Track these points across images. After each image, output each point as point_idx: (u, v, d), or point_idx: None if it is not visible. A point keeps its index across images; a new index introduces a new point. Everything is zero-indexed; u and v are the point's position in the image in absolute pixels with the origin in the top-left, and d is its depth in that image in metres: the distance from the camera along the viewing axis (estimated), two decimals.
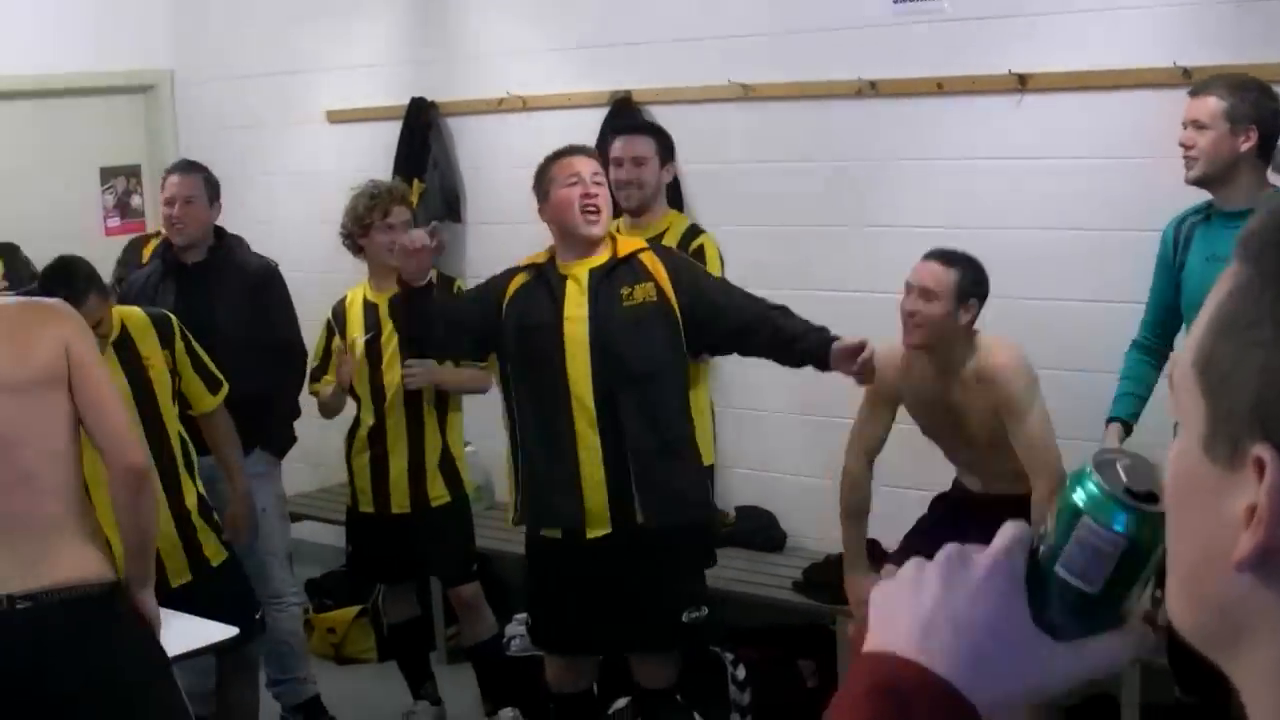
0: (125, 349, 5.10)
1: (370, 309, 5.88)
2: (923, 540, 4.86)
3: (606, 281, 4.79)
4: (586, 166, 4.85)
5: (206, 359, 5.39)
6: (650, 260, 4.84)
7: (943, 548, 1.20)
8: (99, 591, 3.73)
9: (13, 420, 3.73)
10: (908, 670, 1.14)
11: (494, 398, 6.06)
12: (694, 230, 5.64)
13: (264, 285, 6.07)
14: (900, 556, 5.08)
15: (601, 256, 4.84)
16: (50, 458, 3.80)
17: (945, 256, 4.77)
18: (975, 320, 4.77)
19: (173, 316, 5.33)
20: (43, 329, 3.89)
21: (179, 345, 5.24)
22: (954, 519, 4.86)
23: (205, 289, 5.97)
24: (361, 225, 5.81)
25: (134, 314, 5.22)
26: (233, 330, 5.85)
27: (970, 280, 4.73)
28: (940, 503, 5.15)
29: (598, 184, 4.84)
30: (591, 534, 4.83)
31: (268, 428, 6.05)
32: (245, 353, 5.74)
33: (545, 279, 4.84)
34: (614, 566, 4.83)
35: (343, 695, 6.45)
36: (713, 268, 5.40)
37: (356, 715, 6.39)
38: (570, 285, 4.81)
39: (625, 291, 4.77)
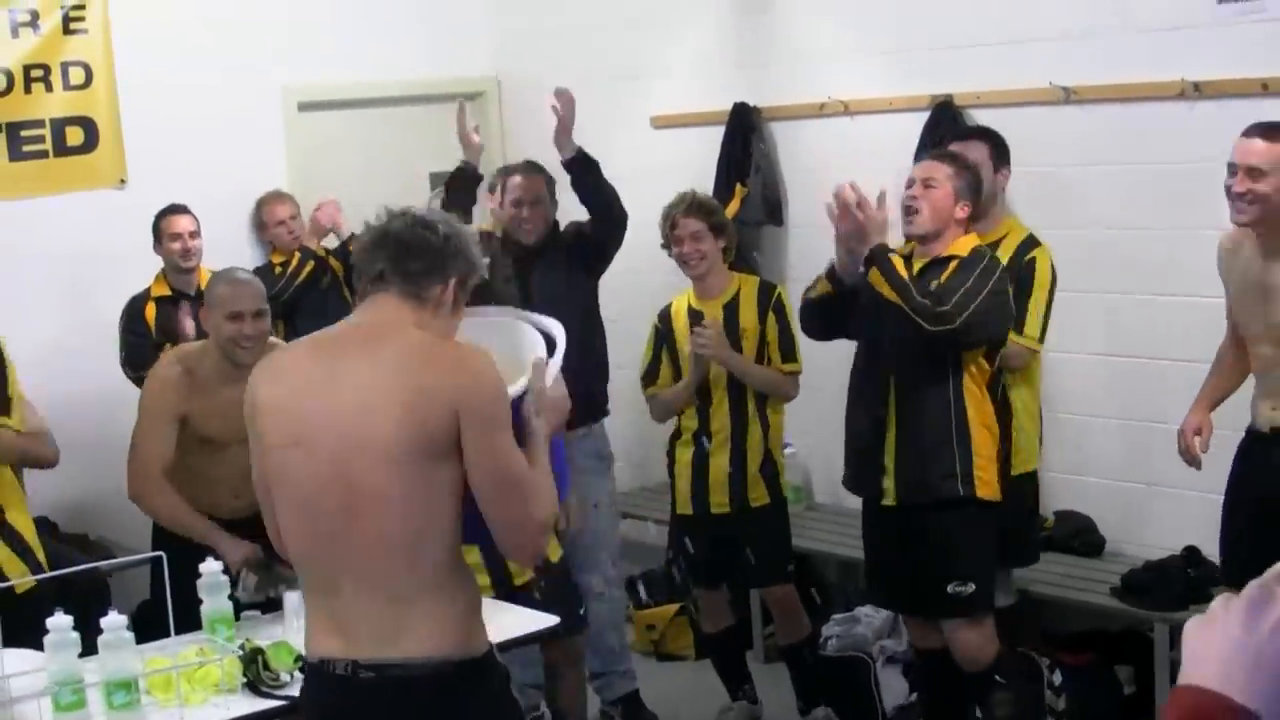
0: None
1: (695, 315, 6.54)
2: (1244, 551, 5.36)
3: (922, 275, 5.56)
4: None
5: None
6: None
7: (1249, 584, 1.45)
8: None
9: None
10: (1213, 702, 1.36)
11: (814, 397, 6.63)
12: (1031, 242, 6.07)
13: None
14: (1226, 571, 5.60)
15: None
16: None
17: (1267, 130, 5.19)
18: None
19: None
20: None
21: None
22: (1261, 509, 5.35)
23: (543, 265, 6.72)
24: (663, 235, 6.46)
25: None
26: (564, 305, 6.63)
27: None
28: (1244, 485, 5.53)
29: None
30: (886, 503, 5.71)
31: (601, 395, 6.86)
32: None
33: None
34: (897, 535, 5.72)
35: (662, 691, 7.12)
36: (1040, 284, 5.96)
37: (675, 711, 7.03)
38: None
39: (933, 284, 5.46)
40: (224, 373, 5.55)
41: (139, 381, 7.03)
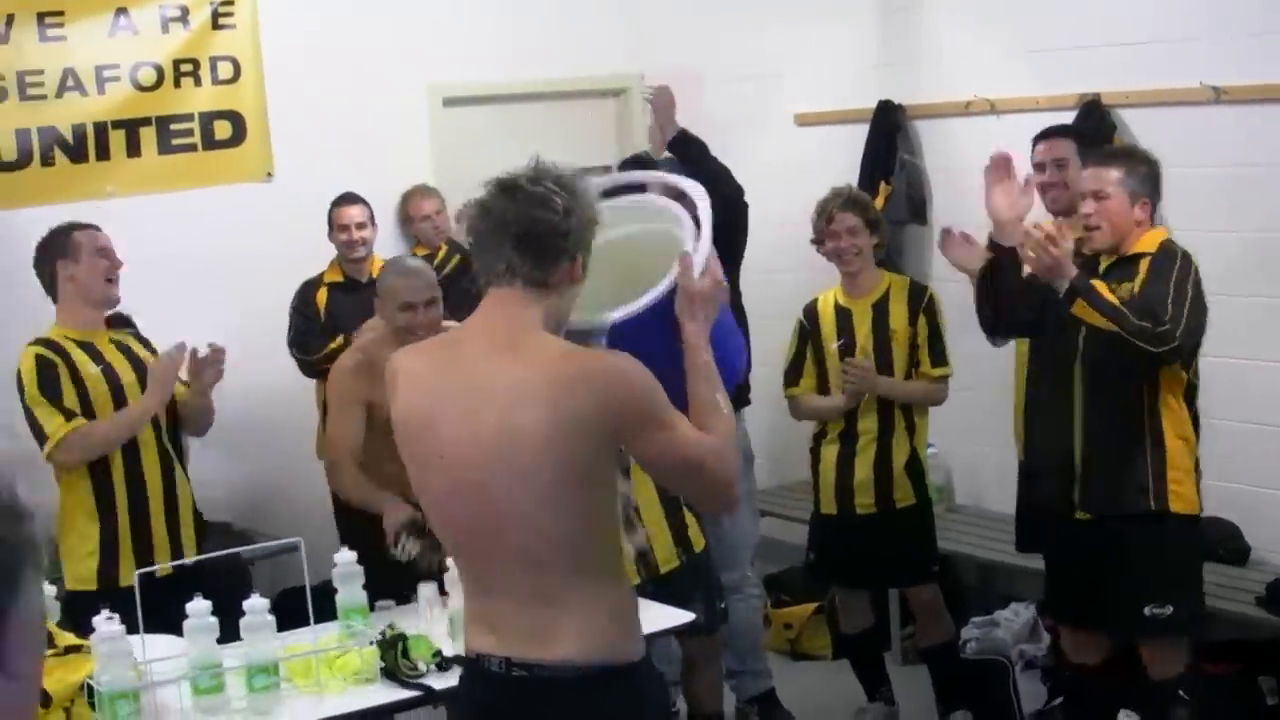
0: None
1: (842, 313, 6.56)
2: None
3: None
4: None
5: None
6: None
7: None
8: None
9: None
10: None
11: (956, 398, 6.62)
12: None
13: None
14: None
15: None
16: None
17: None
18: None
19: None
20: None
21: None
22: None
23: None
24: (816, 230, 6.46)
25: None
26: None
27: None
28: None
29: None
30: (1079, 516, 5.58)
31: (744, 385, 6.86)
32: None
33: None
34: (1090, 550, 5.55)
35: (797, 690, 7.17)
36: None
37: (810, 710, 7.07)
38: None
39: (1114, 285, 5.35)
40: None
41: (304, 365, 7.26)
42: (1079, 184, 6.01)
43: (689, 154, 6.84)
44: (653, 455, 3.47)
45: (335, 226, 7.67)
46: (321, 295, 7.58)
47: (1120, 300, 5.21)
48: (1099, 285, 5.23)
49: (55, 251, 5.83)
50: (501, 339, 3.45)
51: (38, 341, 5.79)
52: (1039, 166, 6.23)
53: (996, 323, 5.87)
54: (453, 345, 3.65)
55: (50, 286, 5.86)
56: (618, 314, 3.62)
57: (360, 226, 7.64)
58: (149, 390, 5.85)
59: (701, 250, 3.69)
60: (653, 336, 3.54)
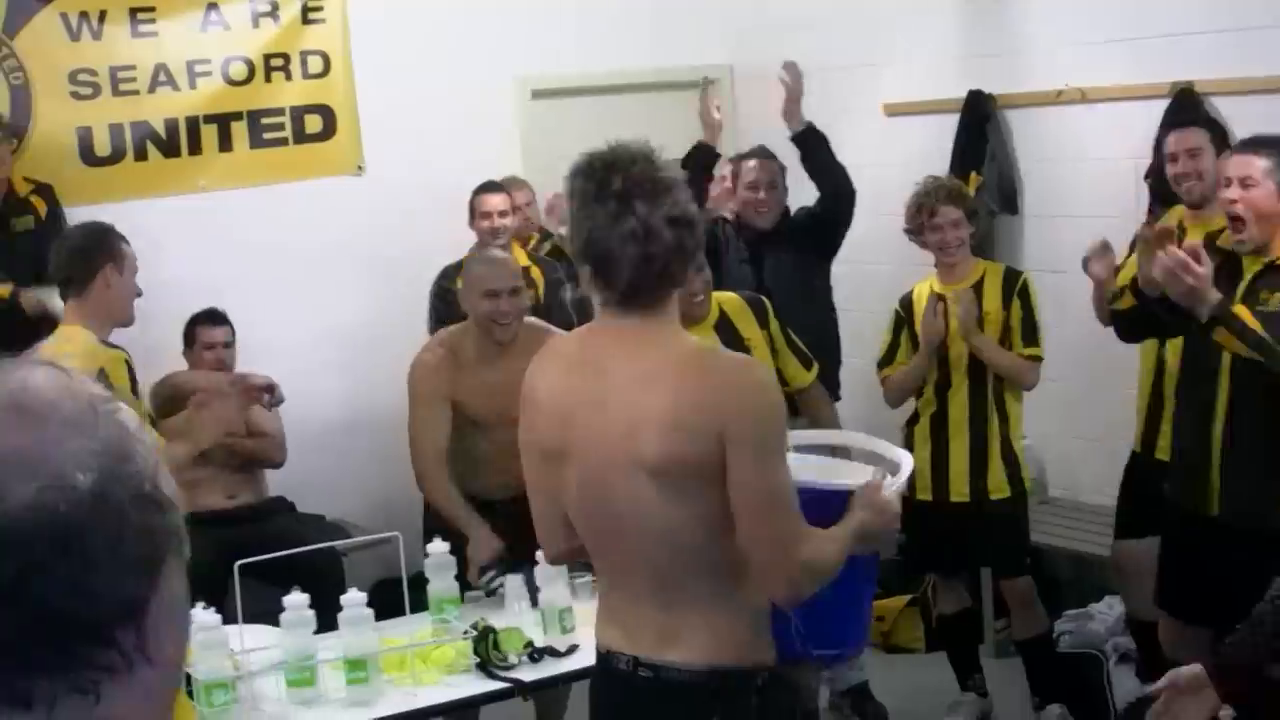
0: (726, 330, 5.89)
1: (937, 301, 6.52)
2: None
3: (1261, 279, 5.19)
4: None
5: (796, 339, 6.11)
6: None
7: None
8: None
9: None
10: None
11: (1050, 389, 6.59)
12: None
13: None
14: None
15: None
16: None
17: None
18: None
19: (765, 299, 6.06)
20: None
21: (774, 325, 5.98)
22: None
23: (776, 249, 6.83)
24: (914, 223, 6.46)
25: (730, 298, 5.99)
26: (796, 288, 6.70)
27: None
28: None
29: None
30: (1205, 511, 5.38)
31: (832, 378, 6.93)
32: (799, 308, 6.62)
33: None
34: (1219, 550, 5.32)
35: (890, 683, 7.15)
36: None
37: (903, 703, 7.04)
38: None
39: (1264, 295, 5.11)
40: (485, 352, 5.70)
41: None
42: (1214, 174, 5.95)
43: (814, 148, 6.90)
44: (742, 473, 3.30)
45: (477, 214, 7.70)
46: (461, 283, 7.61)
47: (1270, 312, 4.92)
48: (1242, 312, 4.91)
49: (107, 254, 5.28)
50: (636, 334, 3.43)
51: (105, 343, 5.27)
52: (1172, 158, 6.20)
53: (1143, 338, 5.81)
54: (593, 337, 3.63)
55: (82, 283, 5.25)
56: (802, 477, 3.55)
57: (502, 214, 7.67)
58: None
59: (896, 481, 3.76)
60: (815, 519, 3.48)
